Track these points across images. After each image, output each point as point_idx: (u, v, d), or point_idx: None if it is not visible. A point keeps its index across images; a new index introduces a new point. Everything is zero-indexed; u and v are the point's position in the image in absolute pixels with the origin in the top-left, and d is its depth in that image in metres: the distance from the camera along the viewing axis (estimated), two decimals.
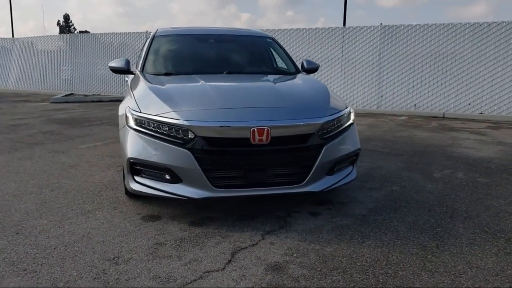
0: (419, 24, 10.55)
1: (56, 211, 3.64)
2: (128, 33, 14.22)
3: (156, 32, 5.04)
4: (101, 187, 4.29)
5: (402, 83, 10.89)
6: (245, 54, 5.14)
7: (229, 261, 2.80)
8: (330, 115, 3.54)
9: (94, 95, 14.37)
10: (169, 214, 3.59)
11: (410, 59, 10.71)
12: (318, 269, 2.70)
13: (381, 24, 10.99)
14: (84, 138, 6.84)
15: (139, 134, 3.40)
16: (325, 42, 11.66)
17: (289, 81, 4.37)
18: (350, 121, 3.77)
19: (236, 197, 3.40)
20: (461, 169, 5.18)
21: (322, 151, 3.44)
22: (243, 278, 2.58)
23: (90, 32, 15.77)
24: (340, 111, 3.68)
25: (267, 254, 2.89)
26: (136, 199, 3.88)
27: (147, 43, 4.92)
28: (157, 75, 4.38)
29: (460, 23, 10.21)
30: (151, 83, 3.96)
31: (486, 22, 10.08)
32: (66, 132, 7.41)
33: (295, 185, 3.43)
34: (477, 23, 10.15)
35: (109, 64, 4.72)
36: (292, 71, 4.88)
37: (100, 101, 13.25)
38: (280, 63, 5.22)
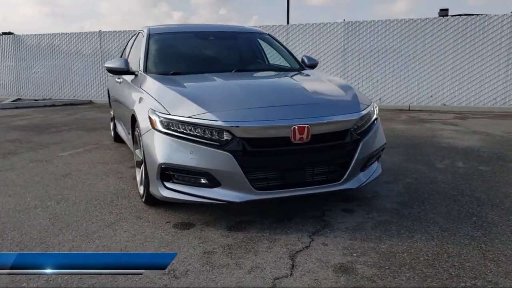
0: (381, 20, 10.82)
1: (75, 225, 3.35)
2: (57, 33, 13.42)
3: (149, 31, 4.76)
4: (111, 197, 4.00)
5: (366, 78, 11.12)
6: (247, 51, 5.00)
7: (292, 265, 2.68)
8: (363, 110, 3.50)
9: (45, 99, 13.55)
10: (200, 220, 3.40)
11: (373, 54, 10.95)
12: (387, 267, 2.64)
13: (344, 20, 11.16)
14: (60, 145, 6.39)
15: (171, 137, 3.19)
16: (294, 39, 11.68)
17: (307, 77, 4.27)
18: (375, 116, 3.75)
19: (276, 199, 3.27)
20: (458, 159, 5.33)
21: (359, 146, 3.39)
22: (318, 283, 2.47)
23: (14, 33, 14.47)
24: (369, 105, 3.65)
25: (326, 256, 2.80)
26: (156, 206, 3.66)
27: (143, 42, 4.62)
28: (164, 74, 4.13)
29: (420, 19, 10.57)
30: (169, 84, 3.73)
31: (445, 17, 10.50)
32: (35, 140, 6.90)
33: (333, 183, 3.35)
34: (436, 18, 10.56)
35: (106, 65, 4.43)
36: (296, 67, 4.80)
37: (54, 105, 12.52)
38: (278, 60, 5.13)
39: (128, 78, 4.51)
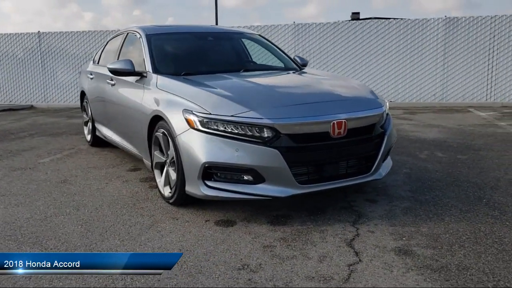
0: (329, 22, 11.29)
1: (113, 229, 3.27)
2: None
3: (146, 31, 4.67)
4: (129, 200, 3.92)
5: None
6: (245, 51, 5.08)
7: (356, 253, 2.84)
8: (383, 105, 3.74)
9: None
10: (238, 217, 3.46)
11: (322, 55, 11.40)
12: (439, 247, 2.88)
13: (294, 22, 11.51)
14: (33, 152, 6.03)
15: (214, 136, 3.22)
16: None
17: (319, 75, 4.45)
18: (388, 111, 4.01)
19: (317, 192, 3.41)
20: (435, 150, 5.78)
21: (384, 139, 3.63)
22: (389, 266, 2.65)
23: None
24: (385, 101, 3.91)
25: (380, 242, 2.99)
26: (186, 207, 3.66)
27: (142, 42, 4.50)
28: (176, 75, 4.11)
29: (365, 20, 11.18)
30: (194, 84, 3.74)
31: (388, 20, 11.20)
32: (0, 147, 6.45)
33: (363, 175, 3.56)
34: (380, 20, 11.23)
35: (110, 66, 4.31)
36: (293, 66, 4.96)
37: None
38: (270, 60, 5.27)
39: (130, 79, 4.40)
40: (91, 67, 6.08)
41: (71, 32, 12.22)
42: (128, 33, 5.16)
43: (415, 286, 2.42)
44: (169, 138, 3.55)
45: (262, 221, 3.37)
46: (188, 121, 3.33)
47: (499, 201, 3.72)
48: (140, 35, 4.66)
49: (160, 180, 3.88)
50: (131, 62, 4.25)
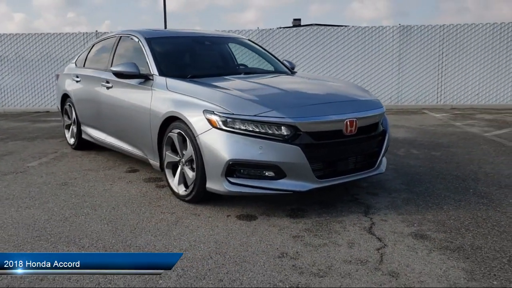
0: (292, 27, 11.66)
1: (142, 226, 3.36)
2: None
3: (144, 35, 4.76)
4: (144, 199, 4.00)
5: None
6: (240, 55, 5.28)
7: (379, 239, 3.12)
8: (382, 106, 4.08)
9: None
10: (256, 212, 3.65)
11: (287, 59, 11.76)
12: (449, 231, 3.22)
13: (258, 28, 11.80)
14: (15, 156, 5.88)
15: (237, 135, 3.40)
16: None
17: (319, 78, 4.73)
18: None
19: (332, 186, 3.67)
20: (408, 147, 6.24)
21: (386, 137, 3.96)
22: (412, 248, 2.95)
23: None
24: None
25: (395, 228, 3.29)
26: (202, 203, 3.80)
27: (143, 46, 4.58)
28: (182, 77, 4.24)
29: (326, 27, 11.67)
30: (210, 86, 3.90)
31: (354, 27, 11.74)
32: None
33: (369, 170, 3.87)
34: (353, 26, 11.76)
35: (115, 69, 4.37)
36: (284, 70, 5.22)
37: None
38: (259, 63, 5.49)
39: (133, 81, 4.46)
40: (76, 70, 6.03)
41: (28, 34, 11.83)
42: (121, 37, 5.20)
43: (443, 264, 2.72)
44: (187, 138, 3.68)
45: (281, 215, 3.58)
46: (210, 121, 3.49)
47: (484, 191, 4.15)
48: (139, 39, 4.74)
49: (173, 179, 3.99)
50: (135, 65, 4.33)
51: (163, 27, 21.35)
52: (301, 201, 3.87)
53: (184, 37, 5.10)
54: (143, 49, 4.59)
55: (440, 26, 11.48)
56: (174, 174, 4.01)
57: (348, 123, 3.56)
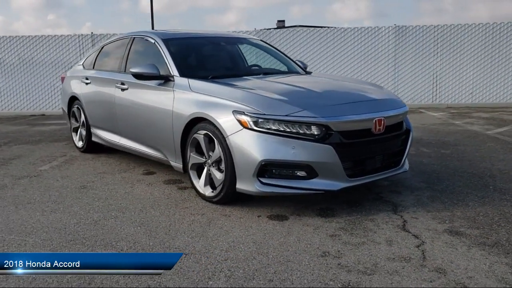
0: (292, 28, 11.70)
1: (175, 227, 3.34)
2: None
3: (161, 36, 4.73)
4: (170, 201, 3.98)
5: None
6: (255, 56, 5.28)
7: (415, 236, 3.15)
8: (405, 105, 4.12)
9: None
10: (286, 212, 3.65)
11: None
12: (481, 227, 3.26)
13: (255, 28, 11.80)
14: (24, 160, 5.78)
15: (269, 135, 3.41)
16: None
17: (338, 78, 4.75)
18: None
19: (362, 184, 3.69)
20: (417, 146, 6.28)
21: (410, 136, 4.01)
22: (450, 245, 2.98)
23: None
24: None
25: (429, 226, 3.32)
26: (230, 205, 3.79)
27: (160, 47, 4.54)
28: (204, 78, 4.23)
29: (328, 28, 11.72)
30: (236, 87, 3.91)
31: (351, 28, 11.83)
32: None
33: (395, 168, 3.90)
34: (350, 28, 11.84)
35: (134, 70, 4.34)
36: (298, 69, 5.24)
37: None
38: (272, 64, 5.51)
39: (152, 83, 4.43)
40: (85, 72, 5.96)
41: (16, 36, 11.65)
42: (134, 38, 5.17)
43: (485, 259, 2.76)
44: (216, 139, 3.66)
45: (311, 214, 3.59)
46: (240, 122, 3.48)
47: (503, 187, 4.22)
48: (155, 40, 4.71)
49: (198, 181, 3.97)
50: (155, 66, 4.30)
51: (151, 28, 21.28)
52: (328, 200, 3.88)
53: (199, 38, 5.09)
54: (161, 50, 4.56)
55: (435, 27, 11.63)
56: (199, 176, 3.99)
57: (376, 122, 3.59)
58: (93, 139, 5.81)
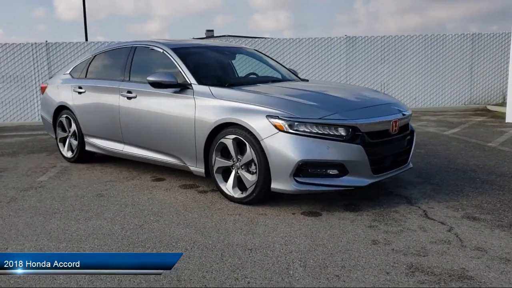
0: (258, 38, 12.04)
1: (222, 227, 3.51)
2: None
3: (169, 46, 4.87)
4: (199, 204, 4.12)
5: None
6: (259, 64, 5.55)
7: (442, 222, 3.55)
8: (408, 108, 4.58)
9: None
10: (316, 208, 3.93)
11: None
12: (494, 213, 3.72)
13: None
14: (11, 172, 5.59)
15: (305, 137, 3.69)
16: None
17: (340, 84, 5.12)
18: None
19: (382, 180, 4.07)
20: None
21: (414, 136, 4.47)
22: (477, 229, 3.41)
23: None
24: None
25: (447, 214, 3.73)
26: (260, 204, 4.01)
27: (170, 56, 4.69)
28: (221, 86, 4.44)
29: (284, 39, 12.18)
30: (261, 93, 4.15)
31: (306, 39, 12.37)
32: None
33: (404, 165, 4.33)
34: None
35: (152, 79, 4.44)
36: (293, 77, 5.57)
37: None
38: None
39: (167, 91, 4.55)
40: (76, 81, 5.89)
41: None
42: (136, 47, 5.23)
43: (510, 238, 3.22)
44: (247, 143, 3.88)
45: (340, 210, 3.91)
46: (275, 125, 3.73)
47: (488, 179, 4.79)
48: (164, 50, 4.84)
49: (225, 183, 4.15)
50: (172, 74, 4.44)
51: (84, 38, 20.81)
52: (347, 197, 4.22)
53: (205, 48, 5.27)
54: (173, 59, 4.69)
55: (381, 37, 12.50)
56: (224, 179, 4.17)
57: (393, 123, 3.99)
58: (87, 148, 5.76)
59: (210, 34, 34.17)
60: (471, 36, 12.69)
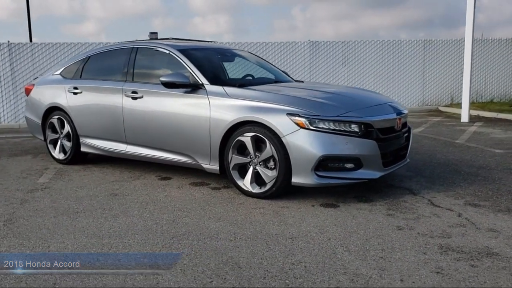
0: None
1: (252, 219, 3.69)
2: None
3: (174, 47, 4.99)
4: (219, 200, 4.26)
5: None
6: (258, 66, 5.75)
7: (449, 209, 3.93)
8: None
9: None
10: (333, 200, 4.19)
11: None
12: (488, 200, 4.15)
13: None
14: (6, 174, 5.49)
15: (326, 133, 3.96)
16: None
17: (337, 85, 5.42)
18: None
19: (389, 173, 4.41)
20: None
21: (411, 133, 4.86)
22: (483, 214, 3.81)
23: None
24: None
25: (450, 202, 4.12)
26: (277, 198, 4.22)
27: (177, 57, 4.81)
28: (232, 85, 4.63)
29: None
30: (277, 92, 4.38)
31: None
32: None
33: (403, 160, 4.71)
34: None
35: (166, 79, 4.55)
36: (289, 79, 5.84)
37: None
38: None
39: (177, 91, 4.67)
40: (70, 81, 5.83)
41: None
42: (138, 48, 5.29)
43: None
44: (267, 140, 4.08)
45: (354, 201, 4.20)
46: (296, 123, 3.97)
47: (471, 172, 5.27)
48: (170, 51, 4.95)
49: (242, 180, 4.33)
50: (184, 75, 4.57)
51: (29, 36, 20.05)
52: (356, 189, 4.52)
53: (208, 49, 5.41)
54: (181, 60, 4.81)
55: (342, 42, 13.06)
56: (240, 175, 4.35)
57: (398, 120, 4.35)
58: (83, 149, 5.72)
59: (154, 36, 33.73)
60: (422, 42, 13.52)
